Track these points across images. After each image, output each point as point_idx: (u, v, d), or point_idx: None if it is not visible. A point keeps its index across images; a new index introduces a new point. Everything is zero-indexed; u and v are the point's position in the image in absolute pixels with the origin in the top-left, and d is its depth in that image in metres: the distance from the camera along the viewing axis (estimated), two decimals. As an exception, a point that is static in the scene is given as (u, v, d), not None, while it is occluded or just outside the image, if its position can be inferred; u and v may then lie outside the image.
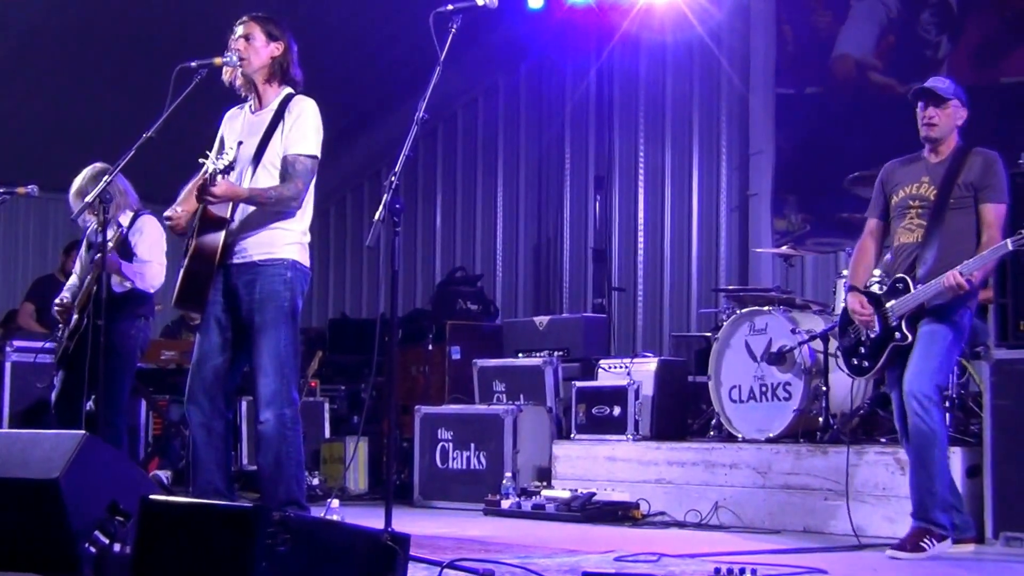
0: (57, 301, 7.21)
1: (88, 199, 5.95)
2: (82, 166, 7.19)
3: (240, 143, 5.50)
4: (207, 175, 5.30)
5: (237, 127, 5.73)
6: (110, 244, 6.72)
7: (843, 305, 6.19)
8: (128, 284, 6.96)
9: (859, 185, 7.52)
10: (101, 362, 6.22)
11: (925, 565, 5.43)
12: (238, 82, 5.69)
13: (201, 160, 5.46)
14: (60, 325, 7.29)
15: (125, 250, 6.99)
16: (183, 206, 5.64)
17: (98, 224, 6.09)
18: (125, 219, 7.09)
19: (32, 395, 8.64)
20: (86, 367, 6.25)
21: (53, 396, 7.11)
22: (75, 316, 6.98)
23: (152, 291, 7.08)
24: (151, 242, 6.96)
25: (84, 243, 7.33)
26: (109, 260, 6.71)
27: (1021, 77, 8.88)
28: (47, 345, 8.09)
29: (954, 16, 9.38)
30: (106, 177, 5.88)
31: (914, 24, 9.57)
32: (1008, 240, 5.44)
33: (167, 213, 5.71)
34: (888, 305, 5.80)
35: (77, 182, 7.08)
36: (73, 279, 7.46)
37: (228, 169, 5.33)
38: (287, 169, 5.52)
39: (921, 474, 5.67)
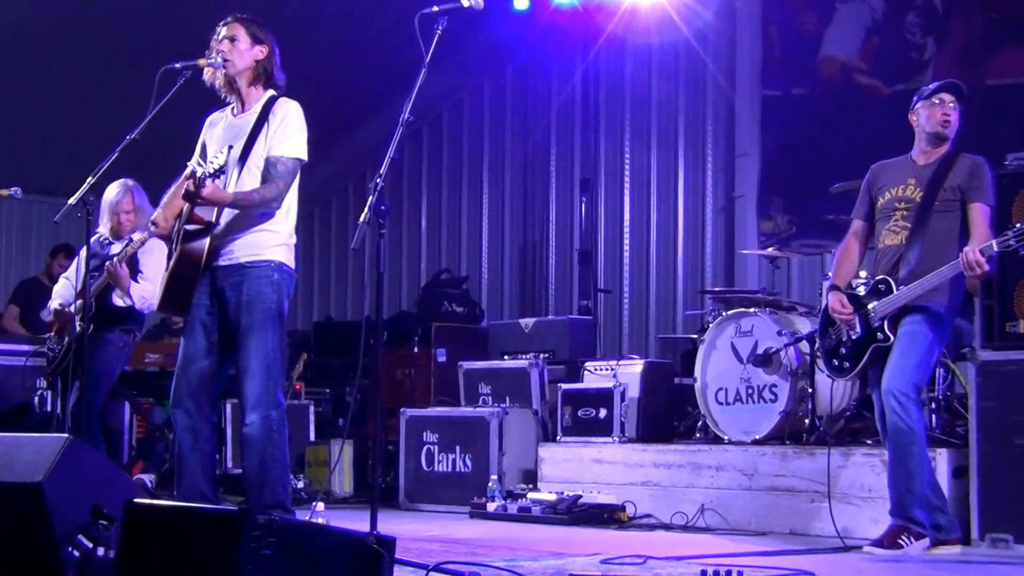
0: (57, 308, 7.37)
1: (72, 200, 5.95)
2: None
3: (230, 147, 5.47)
4: (196, 178, 5.26)
5: (219, 131, 5.69)
6: (117, 258, 6.98)
7: (824, 305, 6.20)
8: (128, 301, 7.24)
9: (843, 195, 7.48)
10: (84, 367, 6.32)
11: (910, 567, 5.44)
12: (219, 83, 5.65)
13: (189, 165, 5.44)
14: (53, 333, 7.44)
15: (131, 267, 7.19)
16: (166, 211, 5.62)
17: (90, 232, 6.24)
18: (138, 236, 7.27)
19: (15, 398, 8.62)
20: (87, 373, 6.45)
21: (71, 403, 7.19)
22: (79, 324, 7.05)
23: (147, 312, 7.31)
24: (156, 264, 7.06)
25: (85, 251, 7.39)
26: (120, 274, 6.98)
27: (1006, 79, 8.89)
28: (28, 349, 8.18)
29: (939, 18, 9.38)
30: (89, 179, 5.88)
31: (899, 26, 9.58)
32: (992, 241, 5.43)
33: (152, 218, 5.69)
34: (870, 306, 5.81)
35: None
36: (65, 284, 7.56)
37: (218, 173, 5.30)
38: (269, 170, 5.49)
39: (899, 471, 5.69)
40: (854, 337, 5.87)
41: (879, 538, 5.70)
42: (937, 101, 5.88)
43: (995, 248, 5.40)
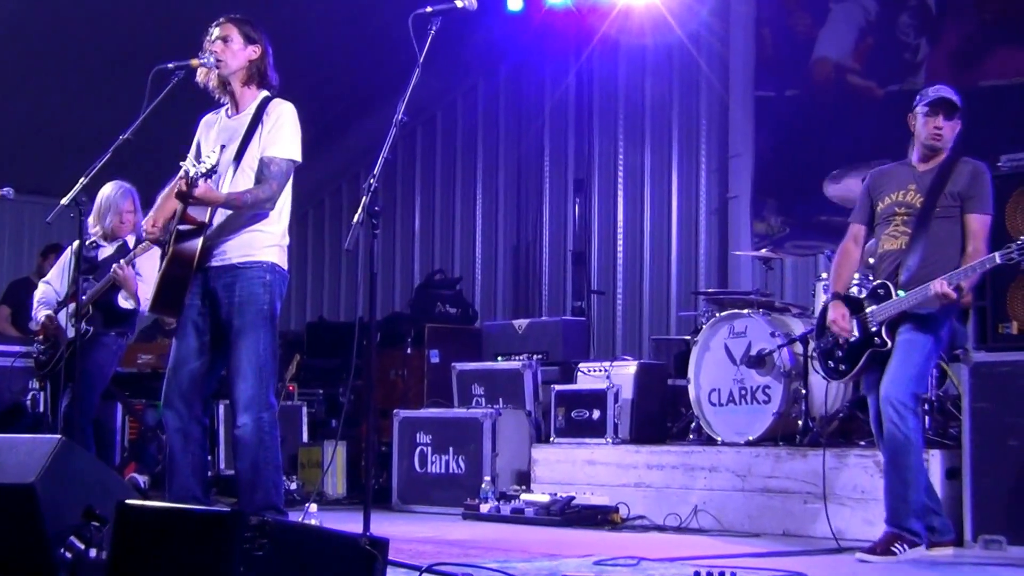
0: (44, 320, 7.34)
1: (64, 201, 5.93)
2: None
3: (223, 147, 5.45)
4: (188, 178, 5.25)
5: (214, 132, 5.68)
6: (125, 260, 7.00)
7: (821, 307, 6.19)
8: (132, 303, 7.24)
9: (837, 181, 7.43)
10: (78, 368, 6.32)
11: (903, 568, 5.43)
12: (212, 84, 5.64)
13: (181, 164, 5.42)
14: (42, 339, 7.42)
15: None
16: (158, 213, 5.60)
17: (83, 233, 6.23)
18: (132, 240, 7.26)
19: (7, 399, 8.59)
20: (81, 375, 6.45)
21: (63, 405, 7.18)
22: (71, 327, 7.03)
23: (146, 314, 7.34)
24: (154, 267, 7.06)
25: (75, 255, 7.38)
26: (128, 276, 6.98)
27: (999, 80, 8.89)
28: (20, 349, 8.17)
29: (932, 18, 9.39)
30: (82, 179, 5.87)
31: (892, 27, 9.59)
32: (996, 253, 5.41)
33: (144, 225, 5.68)
34: (868, 310, 5.79)
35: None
36: (46, 291, 7.53)
37: (211, 173, 5.29)
38: (262, 171, 5.48)
39: (895, 481, 5.68)
40: (851, 340, 5.86)
41: (872, 545, 5.67)
42: (930, 114, 5.87)
43: (998, 260, 5.38)
